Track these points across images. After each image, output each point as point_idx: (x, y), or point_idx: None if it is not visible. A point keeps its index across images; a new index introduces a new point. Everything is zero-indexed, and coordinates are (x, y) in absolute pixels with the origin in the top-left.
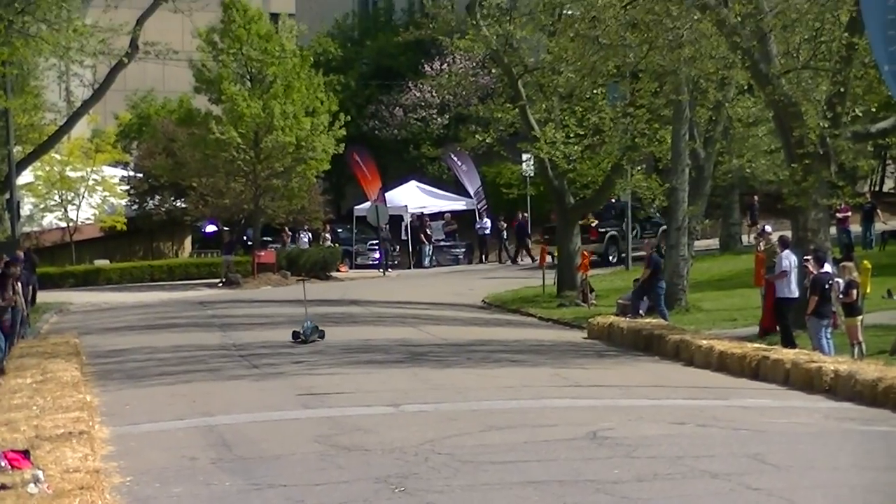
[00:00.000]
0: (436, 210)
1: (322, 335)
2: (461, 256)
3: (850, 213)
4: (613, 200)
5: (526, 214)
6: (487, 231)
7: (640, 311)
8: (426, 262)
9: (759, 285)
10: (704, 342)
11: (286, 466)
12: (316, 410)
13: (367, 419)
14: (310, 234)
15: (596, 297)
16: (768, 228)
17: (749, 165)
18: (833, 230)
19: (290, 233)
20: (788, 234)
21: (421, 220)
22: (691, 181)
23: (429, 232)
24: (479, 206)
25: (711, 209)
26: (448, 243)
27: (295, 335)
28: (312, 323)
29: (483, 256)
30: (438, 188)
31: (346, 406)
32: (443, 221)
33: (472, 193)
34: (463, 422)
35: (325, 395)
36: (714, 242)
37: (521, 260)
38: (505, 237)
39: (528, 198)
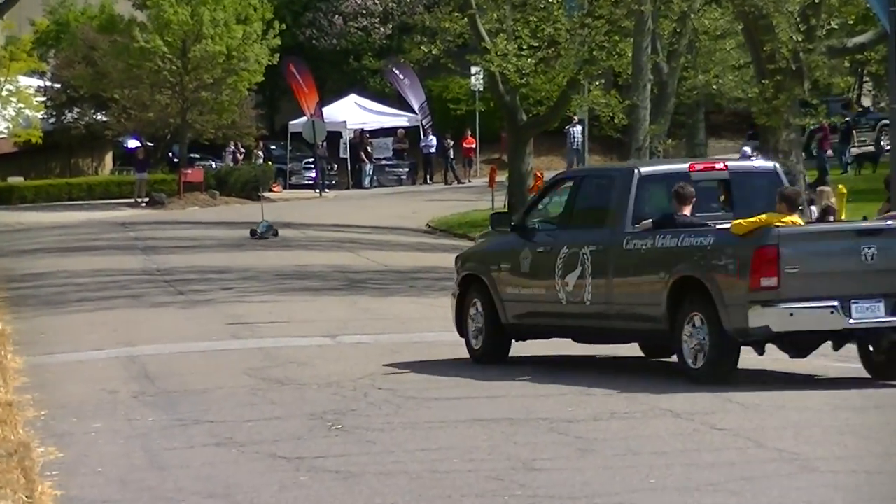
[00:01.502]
0: (376, 126)
1: (276, 233)
2: (404, 176)
3: (827, 134)
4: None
5: None
6: (433, 149)
7: None
8: (366, 182)
9: None
10: None
11: (214, 401)
12: (246, 341)
13: (301, 351)
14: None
15: None
16: (747, 150)
17: (716, 81)
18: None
19: (240, 149)
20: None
21: (361, 136)
22: (653, 98)
23: (369, 150)
24: (423, 123)
25: (675, 128)
26: (391, 162)
27: (252, 232)
28: (268, 222)
29: (428, 177)
30: (380, 103)
31: (279, 337)
32: (393, 138)
33: (416, 109)
34: (405, 355)
35: (257, 324)
36: None
37: None
38: (451, 156)
39: (477, 114)
